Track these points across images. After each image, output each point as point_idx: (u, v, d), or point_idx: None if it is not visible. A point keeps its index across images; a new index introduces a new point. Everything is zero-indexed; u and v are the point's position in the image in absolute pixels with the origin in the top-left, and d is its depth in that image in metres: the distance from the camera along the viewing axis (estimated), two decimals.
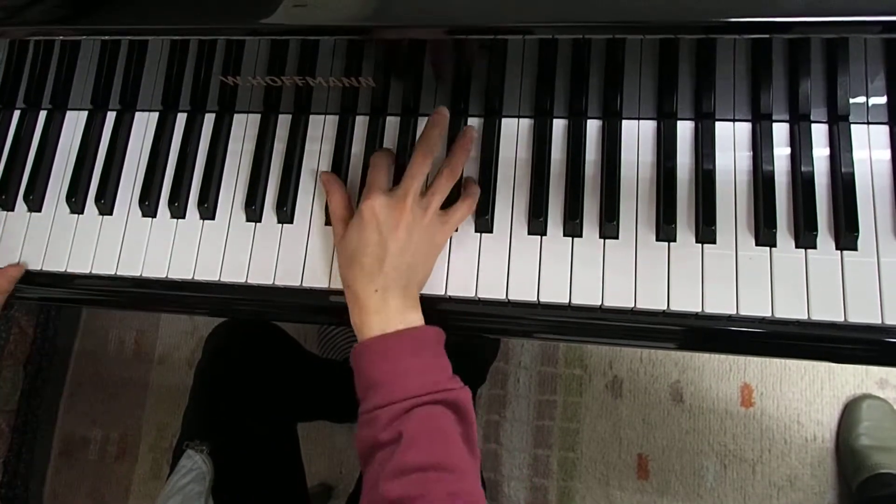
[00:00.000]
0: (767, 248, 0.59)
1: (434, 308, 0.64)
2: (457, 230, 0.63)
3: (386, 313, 0.57)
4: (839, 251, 0.58)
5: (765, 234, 0.59)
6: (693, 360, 1.36)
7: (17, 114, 0.74)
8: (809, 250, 0.58)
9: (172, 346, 1.54)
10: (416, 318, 0.58)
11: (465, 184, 0.64)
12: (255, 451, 0.87)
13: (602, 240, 0.61)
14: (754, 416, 1.32)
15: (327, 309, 0.66)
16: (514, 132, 0.65)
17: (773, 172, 0.60)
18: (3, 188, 0.71)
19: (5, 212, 0.71)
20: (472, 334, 0.96)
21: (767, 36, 0.51)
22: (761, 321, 0.59)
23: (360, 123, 0.68)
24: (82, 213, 0.69)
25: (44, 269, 0.68)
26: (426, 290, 0.62)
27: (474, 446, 0.55)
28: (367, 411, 0.55)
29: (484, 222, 0.63)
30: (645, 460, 1.33)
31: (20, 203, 0.71)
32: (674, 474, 1.32)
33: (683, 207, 0.61)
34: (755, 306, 0.58)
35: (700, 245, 0.60)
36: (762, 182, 0.60)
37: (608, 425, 1.36)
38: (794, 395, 1.32)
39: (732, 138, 0.62)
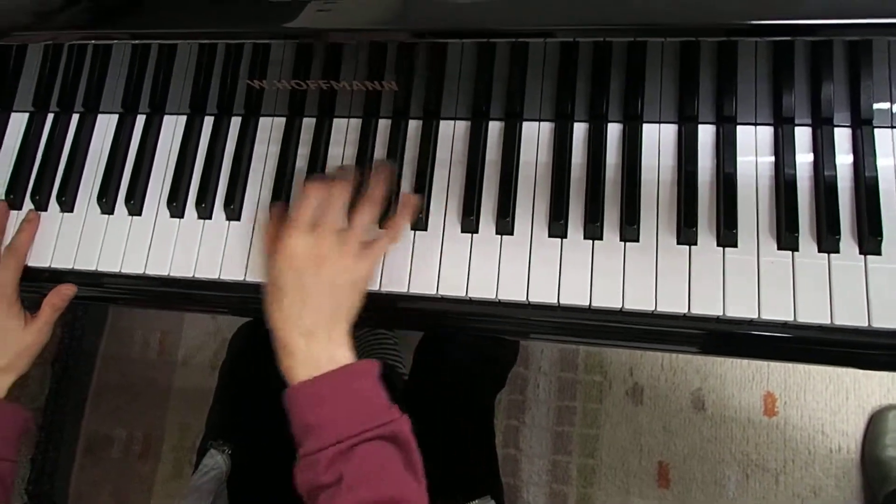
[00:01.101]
0: (790, 253, 0.59)
1: (455, 311, 0.65)
2: (478, 232, 0.64)
3: (312, 357, 0.56)
4: (862, 255, 0.58)
5: (787, 238, 0.58)
6: (715, 368, 1.34)
7: (50, 117, 0.76)
8: (832, 255, 0.58)
9: (196, 348, 1.56)
10: (343, 357, 0.58)
11: (398, 212, 0.63)
12: (277, 452, 0.87)
13: (622, 243, 0.61)
14: (777, 425, 1.30)
15: None
16: (535, 135, 0.66)
17: (795, 176, 0.60)
18: (37, 189, 0.73)
19: (39, 212, 0.72)
20: (492, 336, 0.97)
21: (790, 38, 0.51)
22: (783, 326, 0.58)
23: (383, 127, 0.69)
24: (112, 213, 0.71)
25: (75, 267, 0.70)
26: (448, 292, 0.63)
27: (418, 471, 0.56)
28: (305, 455, 0.55)
29: (505, 225, 0.63)
30: (666, 468, 1.32)
31: (53, 203, 0.73)
32: (695, 483, 1.31)
33: (704, 211, 0.61)
34: (777, 310, 0.57)
35: (721, 249, 0.60)
36: (784, 186, 0.60)
37: (628, 432, 1.35)
38: (819, 404, 1.30)
39: (754, 142, 0.62)
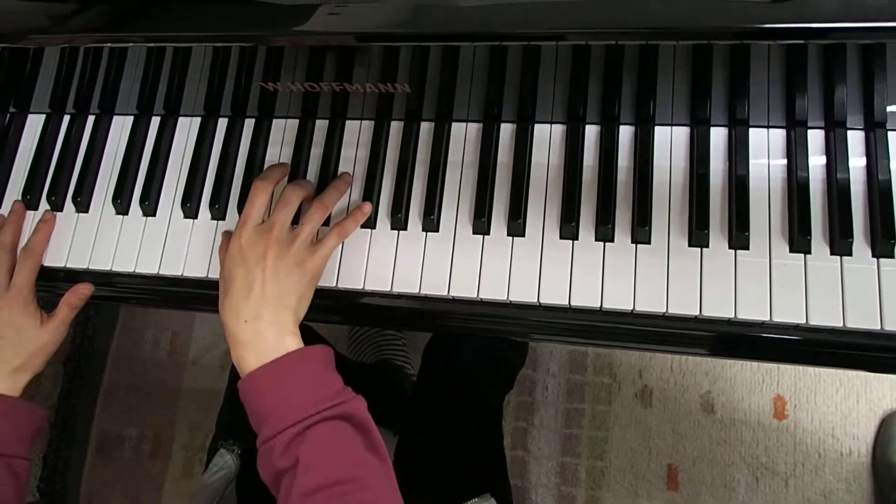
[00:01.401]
0: (802, 255, 0.59)
1: (465, 312, 0.65)
2: (489, 234, 0.64)
3: (260, 344, 0.57)
4: (875, 259, 0.58)
5: (799, 241, 0.58)
6: (724, 371, 1.34)
7: (66, 118, 0.77)
8: (845, 257, 0.58)
9: (205, 349, 1.57)
10: (292, 343, 0.58)
11: (349, 214, 0.65)
12: None
13: (634, 245, 0.61)
14: (787, 428, 1.30)
15: (359, 308, 0.67)
16: (547, 138, 0.66)
17: (807, 179, 0.60)
18: (53, 190, 0.74)
19: (55, 212, 0.73)
20: (501, 337, 0.97)
21: (802, 42, 0.51)
22: (795, 328, 0.58)
23: (395, 128, 0.70)
24: (127, 214, 0.72)
25: (90, 267, 0.71)
26: (459, 293, 0.63)
27: (379, 451, 0.55)
28: (262, 443, 0.55)
29: (516, 226, 0.63)
30: (675, 471, 1.32)
31: (69, 204, 0.73)
32: (704, 486, 1.30)
33: (716, 213, 0.61)
34: (789, 313, 0.57)
35: (733, 251, 0.60)
36: (797, 188, 0.60)
37: (637, 435, 1.35)
38: (829, 407, 1.29)
39: (766, 145, 0.62)
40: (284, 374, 0.56)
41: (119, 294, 0.73)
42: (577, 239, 0.62)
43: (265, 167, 0.70)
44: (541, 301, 0.62)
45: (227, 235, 0.67)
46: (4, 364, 0.68)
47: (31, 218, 0.74)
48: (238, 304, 0.57)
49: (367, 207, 0.66)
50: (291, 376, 0.56)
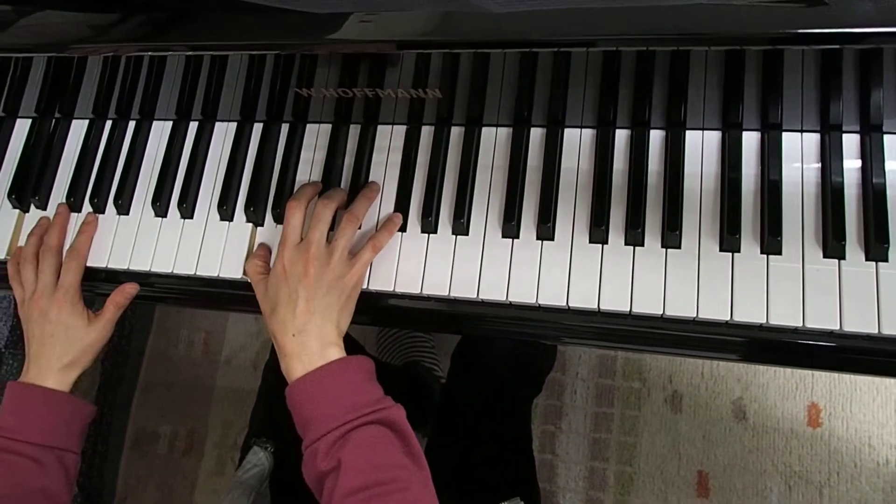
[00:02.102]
0: (836, 261, 0.58)
1: (495, 315, 0.65)
2: (519, 238, 0.64)
3: (306, 355, 0.60)
4: None
5: (833, 246, 0.58)
6: (757, 377, 1.32)
7: (108, 124, 0.79)
8: (880, 263, 0.57)
9: (238, 348, 1.60)
10: (335, 353, 0.61)
11: (382, 225, 0.67)
12: None
13: (664, 249, 0.61)
14: (822, 436, 1.27)
15: (389, 310, 0.69)
16: (577, 142, 0.66)
17: (842, 184, 0.59)
18: (96, 192, 0.76)
19: (97, 214, 0.76)
20: (532, 340, 0.97)
21: (837, 47, 0.51)
22: (829, 335, 0.58)
23: (426, 133, 0.71)
24: (166, 216, 0.74)
25: (130, 268, 0.73)
26: (488, 296, 0.63)
27: (418, 458, 0.57)
28: (306, 447, 0.58)
29: (546, 230, 0.64)
30: (705, 478, 1.30)
31: (110, 206, 0.76)
32: (735, 494, 1.29)
33: (748, 218, 0.60)
34: (822, 319, 0.57)
35: (765, 256, 0.59)
36: (831, 193, 0.59)
37: (667, 440, 1.33)
38: (866, 416, 1.26)
39: (800, 149, 0.62)
40: (328, 381, 0.59)
41: (157, 294, 0.75)
42: (606, 243, 0.63)
43: (296, 185, 0.72)
44: (570, 305, 0.62)
45: (257, 252, 0.69)
46: (54, 361, 0.70)
47: (75, 220, 0.76)
48: (285, 319, 0.61)
49: (398, 219, 0.67)
50: (334, 383, 0.59)
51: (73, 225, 0.76)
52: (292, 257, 0.62)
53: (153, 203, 0.74)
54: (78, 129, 0.80)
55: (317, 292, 0.61)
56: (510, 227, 0.65)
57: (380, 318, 0.70)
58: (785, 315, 0.57)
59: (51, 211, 0.78)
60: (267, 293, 0.64)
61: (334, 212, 0.65)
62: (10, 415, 0.68)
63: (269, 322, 0.63)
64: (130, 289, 0.74)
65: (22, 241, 0.77)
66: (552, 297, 0.62)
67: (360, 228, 0.67)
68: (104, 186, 0.76)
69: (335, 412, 0.57)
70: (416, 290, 0.66)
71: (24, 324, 0.73)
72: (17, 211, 0.79)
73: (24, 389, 0.70)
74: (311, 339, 0.60)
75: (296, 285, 0.61)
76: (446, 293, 0.65)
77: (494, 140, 0.69)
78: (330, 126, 0.73)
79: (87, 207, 0.77)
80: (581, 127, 0.67)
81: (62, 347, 0.71)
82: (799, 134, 0.62)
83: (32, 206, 0.78)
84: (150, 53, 0.67)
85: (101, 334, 0.73)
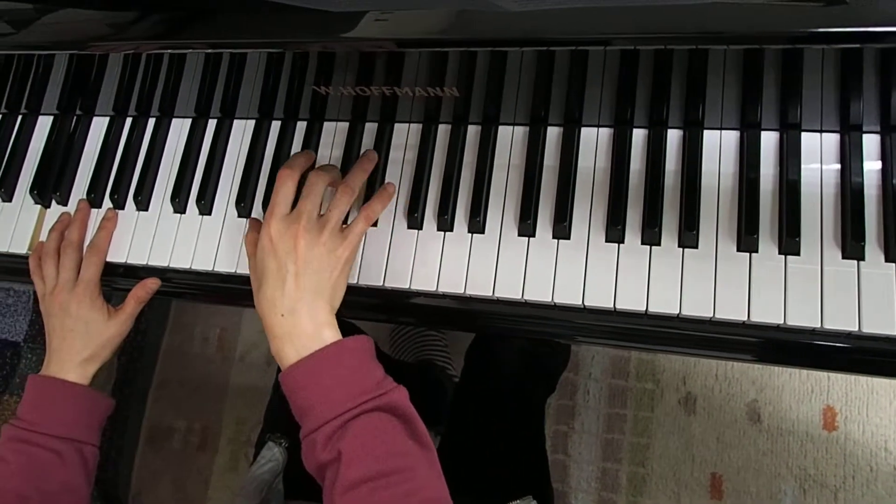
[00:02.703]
0: (855, 262, 0.58)
1: (510, 313, 0.66)
2: (535, 236, 0.64)
3: (298, 337, 0.57)
4: None
5: (852, 247, 0.57)
6: (772, 380, 1.31)
7: (128, 121, 0.80)
8: None
9: (252, 345, 1.61)
10: (330, 335, 0.58)
11: (375, 195, 0.65)
12: None
13: (681, 249, 0.61)
14: (837, 440, 1.26)
15: (404, 307, 0.69)
16: (594, 141, 0.66)
17: (862, 184, 0.59)
18: (116, 189, 0.77)
19: (117, 210, 0.77)
20: (545, 338, 0.97)
21: (858, 46, 0.51)
22: (847, 336, 0.57)
23: (443, 132, 0.71)
24: (184, 212, 0.75)
25: (148, 263, 0.74)
26: (504, 294, 0.64)
27: (423, 439, 0.55)
28: (304, 436, 0.56)
29: (562, 229, 0.64)
30: (719, 480, 1.30)
31: (130, 202, 0.77)
32: (749, 497, 1.28)
33: (766, 218, 0.60)
34: (840, 320, 0.56)
35: (783, 257, 0.59)
36: (850, 194, 0.58)
37: (680, 442, 1.33)
38: (882, 420, 1.25)
39: (819, 149, 0.61)
40: (324, 367, 0.56)
41: (174, 289, 0.76)
42: (623, 242, 0.63)
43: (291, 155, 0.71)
44: (585, 304, 0.62)
45: (255, 223, 0.68)
46: (74, 355, 0.71)
47: (95, 215, 0.77)
48: (273, 298, 0.57)
49: (392, 188, 0.66)
50: (330, 369, 0.56)
51: (93, 221, 0.77)
52: (280, 229, 0.58)
53: (172, 199, 0.75)
54: (98, 127, 0.81)
55: (307, 267, 0.57)
56: (526, 226, 0.65)
57: (395, 315, 0.71)
58: (802, 316, 0.57)
59: (72, 207, 0.79)
60: (254, 268, 0.60)
61: (326, 184, 0.62)
62: (32, 407, 0.69)
63: (257, 299, 0.59)
64: (152, 284, 0.74)
65: (43, 237, 0.78)
66: (568, 295, 0.62)
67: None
68: (124, 183, 0.77)
69: (332, 401, 0.54)
70: (431, 288, 0.66)
71: (45, 318, 0.74)
72: (39, 206, 0.80)
73: (44, 382, 0.71)
74: (302, 320, 0.57)
75: (284, 259, 0.57)
76: (462, 291, 0.65)
77: (511, 139, 0.69)
78: (347, 124, 0.73)
79: (107, 203, 0.78)
80: (598, 126, 0.67)
81: (82, 341, 0.71)
82: (818, 134, 0.61)
83: (54, 202, 0.79)
84: (169, 51, 0.68)
85: (121, 329, 0.74)
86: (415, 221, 0.68)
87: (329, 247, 0.59)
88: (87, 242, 0.75)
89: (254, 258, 0.61)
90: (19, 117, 0.84)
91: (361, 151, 0.72)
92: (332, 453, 0.53)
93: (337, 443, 0.53)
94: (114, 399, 0.76)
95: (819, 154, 0.61)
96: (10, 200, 0.81)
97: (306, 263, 0.57)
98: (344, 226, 0.62)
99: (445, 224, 0.67)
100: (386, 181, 0.70)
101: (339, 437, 0.53)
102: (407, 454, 0.54)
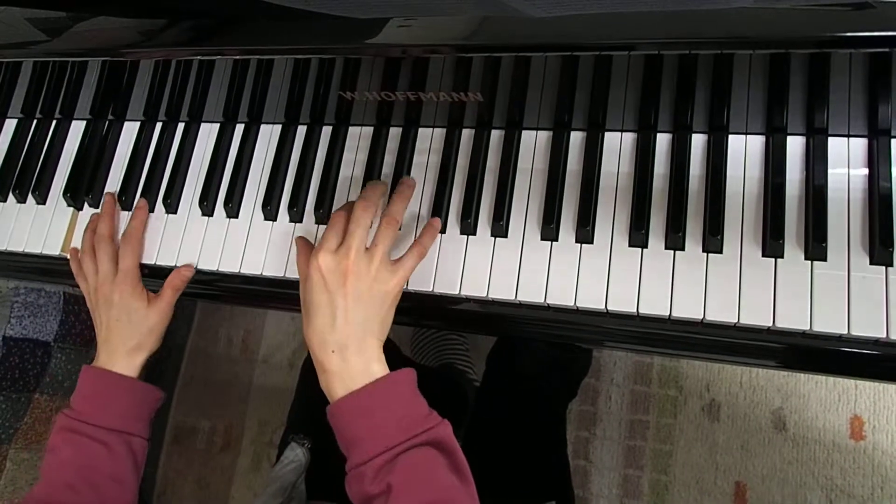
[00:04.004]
0: (883, 268, 0.57)
1: (533, 317, 0.66)
2: (557, 240, 0.65)
3: (348, 373, 0.58)
4: None
5: (880, 252, 0.57)
6: (798, 388, 1.30)
7: (158, 126, 0.82)
8: None
9: (276, 347, 1.63)
10: (378, 369, 0.59)
11: (423, 230, 0.65)
12: None
13: (705, 254, 0.61)
14: (865, 450, 1.24)
15: (426, 310, 0.69)
16: (617, 146, 0.66)
17: (890, 189, 0.58)
18: (146, 192, 0.79)
19: (148, 213, 0.78)
20: (567, 343, 0.97)
21: (886, 50, 0.50)
22: (875, 343, 0.57)
23: (466, 136, 0.71)
24: (212, 215, 0.76)
25: (177, 264, 0.75)
26: (526, 298, 0.64)
27: (465, 474, 0.56)
28: (352, 468, 0.57)
29: (585, 234, 0.64)
30: (743, 488, 1.28)
31: (159, 205, 0.78)
32: None
33: (792, 223, 0.60)
34: (868, 327, 0.56)
35: (809, 262, 0.58)
36: (878, 199, 0.58)
37: (703, 449, 1.32)
38: None
39: (846, 154, 0.61)
40: (372, 402, 0.57)
41: (202, 291, 0.77)
42: (646, 247, 0.62)
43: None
44: (608, 308, 0.62)
45: (303, 242, 0.68)
46: (121, 345, 0.73)
47: (126, 219, 0.78)
48: (324, 334, 0.59)
49: (438, 223, 0.67)
50: (379, 403, 0.57)
51: (125, 222, 0.78)
52: (330, 264, 0.59)
53: (200, 203, 0.76)
54: (130, 131, 0.83)
55: (357, 304, 0.58)
56: (549, 230, 0.65)
57: (418, 318, 0.71)
58: (829, 322, 0.56)
59: None
60: (303, 297, 0.62)
61: (373, 216, 0.63)
62: (82, 398, 0.71)
63: (307, 330, 0.60)
64: (186, 271, 0.75)
65: (75, 239, 0.80)
66: (590, 300, 0.62)
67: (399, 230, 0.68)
68: (154, 186, 0.79)
69: (381, 435, 0.56)
70: (454, 292, 0.66)
71: (92, 313, 0.76)
72: (72, 209, 0.82)
73: (94, 373, 0.72)
74: (352, 355, 0.58)
75: (334, 294, 0.58)
76: (485, 295, 0.66)
77: (534, 143, 0.69)
78: (371, 129, 0.74)
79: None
80: (622, 131, 0.67)
81: (127, 331, 0.73)
82: (845, 139, 0.61)
83: (86, 205, 0.81)
84: (198, 58, 0.69)
85: (162, 317, 0.75)
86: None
87: (378, 281, 0.60)
88: (119, 235, 0.77)
89: (303, 286, 0.62)
90: (53, 122, 0.86)
91: (386, 156, 0.73)
92: (381, 486, 0.54)
93: (386, 476, 0.54)
94: (163, 391, 0.76)
95: (846, 159, 0.60)
96: (44, 203, 0.83)
97: (356, 300, 0.58)
98: (394, 260, 0.62)
99: (469, 228, 0.67)
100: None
101: (388, 470, 0.54)
102: (451, 487, 0.55)
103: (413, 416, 0.58)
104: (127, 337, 0.73)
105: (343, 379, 0.58)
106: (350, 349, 0.58)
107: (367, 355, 0.59)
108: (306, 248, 0.66)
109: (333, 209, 0.72)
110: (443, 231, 0.69)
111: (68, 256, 0.79)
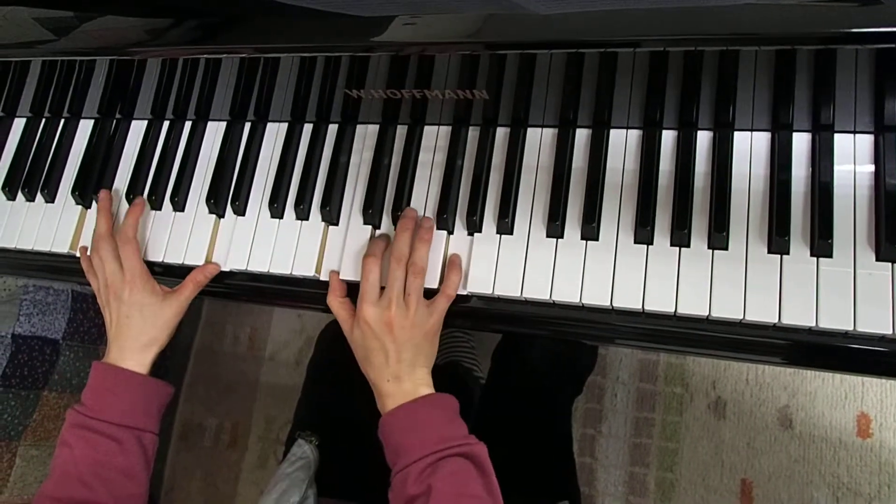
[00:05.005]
0: (889, 264, 0.57)
1: (538, 314, 0.66)
2: (563, 237, 0.65)
3: (401, 394, 0.66)
4: None
5: (887, 249, 0.57)
6: (804, 385, 1.29)
7: (166, 124, 0.83)
8: None
9: (282, 345, 1.63)
10: (425, 391, 0.66)
11: (446, 273, 0.68)
12: (360, 443, 0.91)
13: (710, 251, 0.61)
14: (872, 448, 1.24)
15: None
16: (623, 143, 0.67)
17: None
18: (153, 190, 0.79)
19: (154, 211, 0.79)
20: (571, 341, 0.97)
21: (893, 46, 0.50)
22: (881, 339, 0.57)
23: (472, 134, 0.71)
24: (219, 213, 0.77)
25: (185, 262, 0.76)
26: (532, 295, 0.64)
27: (495, 494, 0.61)
28: (397, 472, 0.63)
29: (590, 230, 0.64)
30: (749, 486, 1.28)
31: (167, 203, 0.79)
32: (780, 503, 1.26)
33: (798, 220, 0.60)
34: (874, 323, 0.56)
35: (815, 259, 0.58)
36: (885, 195, 0.58)
37: (709, 447, 1.31)
38: None
39: (853, 150, 0.60)
40: (421, 413, 0.65)
41: (209, 288, 0.77)
42: (651, 244, 0.62)
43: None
44: (613, 305, 0.62)
45: (340, 284, 0.71)
46: (132, 341, 0.73)
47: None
48: (380, 367, 0.67)
49: (459, 259, 0.69)
50: (426, 414, 0.65)
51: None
52: (374, 316, 0.66)
53: (207, 200, 0.77)
54: (137, 130, 0.84)
55: (404, 346, 0.66)
56: (555, 227, 0.65)
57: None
58: (835, 318, 0.56)
59: (113, 207, 0.81)
60: (355, 342, 0.69)
61: (405, 265, 0.67)
62: (93, 394, 0.71)
63: (364, 367, 0.68)
64: (212, 268, 0.75)
65: (83, 237, 0.80)
66: (596, 296, 0.62)
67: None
68: (161, 184, 0.79)
69: (427, 441, 0.62)
70: (460, 290, 0.67)
71: (103, 310, 0.76)
72: (80, 207, 0.82)
73: (105, 370, 0.72)
74: (404, 383, 0.66)
75: (383, 340, 0.66)
76: (490, 292, 0.66)
77: (540, 141, 0.69)
78: (377, 127, 0.74)
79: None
80: (627, 128, 0.67)
81: (139, 326, 0.73)
82: (851, 135, 0.61)
83: (94, 203, 0.82)
84: (205, 56, 0.70)
85: (176, 311, 0.75)
86: (444, 223, 0.68)
87: (417, 326, 0.66)
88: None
89: (348, 326, 0.69)
90: (62, 121, 0.87)
91: (392, 153, 0.73)
92: (422, 487, 0.60)
93: (428, 478, 0.60)
94: (173, 387, 0.77)
95: (852, 155, 0.60)
96: (52, 201, 0.83)
97: (402, 343, 0.66)
98: (427, 302, 0.67)
99: (474, 225, 0.68)
100: (415, 184, 0.71)
101: (430, 472, 0.60)
102: (484, 499, 0.60)
103: (454, 430, 0.64)
104: (138, 333, 0.73)
105: (396, 398, 0.65)
106: (403, 378, 0.66)
107: (416, 382, 0.66)
108: (339, 286, 0.71)
109: (339, 207, 0.73)
110: (451, 231, 0.69)
111: (77, 254, 0.79)
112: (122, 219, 0.78)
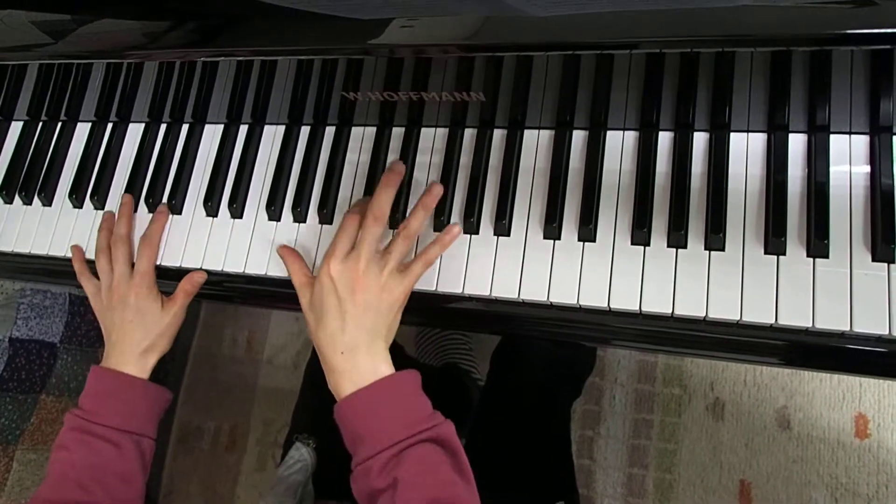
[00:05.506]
0: (885, 265, 0.57)
1: (536, 315, 0.66)
2: (560, 239, 0.65)
3: (356, 372, 0.60)
4: None
5: (882, 250, 0.57)
6: (802, 386, 1.29)
7: (163, 127, 0.83)
8: None
9: (280, 347, 1.63)
10: (385, 370, 0.61)
11: (436, 239, 0.65)
12: None
13: (707, 252, 0.61)
14: (870, 448, 1.24)
15: (430, 310, 0.70)
16: (619, 144, 0.67)
17: (892, 186, 0.58)
18: (151, 193, 0.79)
19: (150, 214, 0.79)
20: (569, 342, 0.97)
21: (888, 47, 0.50)
22: (878, 340, 0.57)
23: (469, 136, 0.71)
24: (216, 216, 0.77)
25: (182, 265, 0.76)
26: (529, 296, 0.64)
27: (467, 474, 0.58)
28: (358, 463, 0.58)
29: (587, 232, 0.64)
30: (747, 487, 1.28)
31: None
32: None
33: (794, 221, 0.60)
34: (871, 324, 0.56)
35: (811, 259, 0.59)
36: (880, 196, 0.58)
37: (708, 448, 1.32)
38: None
39: (848, 151, 0.61)
40: (379, 399, 0.59)
41: (207, 291, 0.77)
42: (648, 245, 0.63)
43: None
44: (611, 306, 0.62)
45: (288, 252, 0.68)
46: (134, 346, 0.73)
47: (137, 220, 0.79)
48: (333, 336, 0.61)
49: (457, 229, 0.66)
50: (386, 400, 0.59)
51: (136, 227, 0.79)
52: (341, 270, 0.61)
53: (205, 203, 0.77)
54: (134, 133, 0.83)
55: (366, 312, 0.60)
56: (552, 229, 0.65)
57: (422, 318, 0.71)
58: (832, 319, 0.57)
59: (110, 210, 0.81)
60: (312, 303, 0.63)
61: (384, 226, 0.63)
62: (92, 398, 0.71)
63: (316, 335, 0.62)
64: (198, 277, 0.75)
65: (80, 239, 0.80)
66: (593, 298, 0.62)
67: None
68: (159, 187, 0.79)
69: (388, 430, 0.57)
70: (458, 291, 0.67)
71: (103, 313, 0.76)
72: (77, 210, 0.82)
73: (105, 374, 0.72)
74: (361, 357, 0.60)
75: (344, 300, 0.60)
76: (488, 293, 0.66)
77: (536, 143, 0.69)
78: (374, 129, 0.75)
79: (142, 207, 0.80)
80: (624, 129, 0.67)
81: (141, 332, 0.73)
82: (847, 136, 0.61)
83: (91, 207, 0.82)
84: (202, 59, 0.70)
85: (175, 319, 0.75)
86: (441, 225, 0.69)
87: (387, 289, 0.62)
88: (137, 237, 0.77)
89: (309, 292, 0.64)
90: (59, 124, 0.87)
91: (389, 156, 0.73)
92: (387, 480, 0.56)
93: (393, 470, 0.56)
94: (171, 392, 0.77)
95: (848, 156, 0.60)
96: (49, 205, 0.83)
97: (365, 308, 0.60)
98: (402, 265, 0.63)
99: (471, 227, 0.68)
100: (412, 187, 0.71)
101: (394, 464, 0.56)
102: (455, 484, 0.56)
103: (418, 415, 0.59)
104: (140, 338, 0.73)
105: (352, 378, 0.60)
106: (359, 351, 0.60)
107: (375, 357, 0.61)
108: (293, 257, 0.68)
109: (337, 209, 0.73)
110: None
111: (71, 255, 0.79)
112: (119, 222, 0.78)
